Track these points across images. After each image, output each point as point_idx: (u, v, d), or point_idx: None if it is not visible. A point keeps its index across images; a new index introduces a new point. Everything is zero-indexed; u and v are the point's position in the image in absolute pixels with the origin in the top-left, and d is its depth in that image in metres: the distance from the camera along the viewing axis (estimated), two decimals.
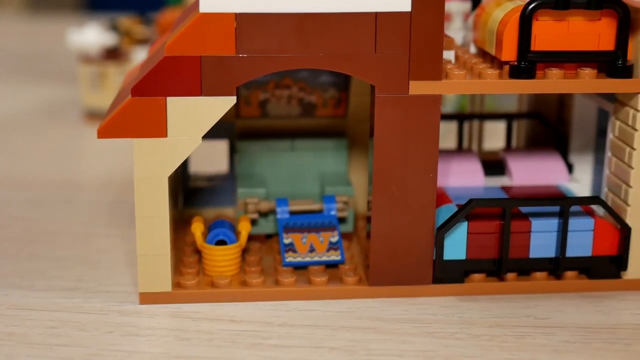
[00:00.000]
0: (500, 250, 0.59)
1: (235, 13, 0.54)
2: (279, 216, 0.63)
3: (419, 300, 0.59)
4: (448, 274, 0.59)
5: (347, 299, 0.59)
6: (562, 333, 0.55)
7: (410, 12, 0.54)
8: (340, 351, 0.53)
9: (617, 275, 0.60)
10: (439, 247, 0.58)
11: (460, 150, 0.69)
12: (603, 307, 0.58)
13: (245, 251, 0.63)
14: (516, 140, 0.74)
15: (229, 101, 0.55)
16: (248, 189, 0.64)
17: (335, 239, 0.62)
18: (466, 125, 0.73)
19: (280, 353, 0.52)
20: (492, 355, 0.53)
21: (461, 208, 0.58)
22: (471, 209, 0.58)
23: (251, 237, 0.65)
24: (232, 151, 0.69)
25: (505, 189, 0.64)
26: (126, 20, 1.09)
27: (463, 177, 0.65)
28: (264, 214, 0.65)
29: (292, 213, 0.64)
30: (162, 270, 0.57)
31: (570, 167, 0.67)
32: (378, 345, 0.53)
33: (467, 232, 0.59)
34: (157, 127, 0.55)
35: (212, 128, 0.66)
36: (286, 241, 0.62)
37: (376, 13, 0.54)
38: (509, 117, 0.71)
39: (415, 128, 0.56)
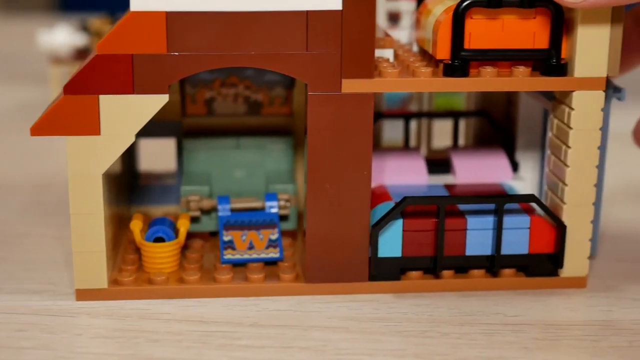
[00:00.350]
0: (435, 248, 0.59)
1: (166, 12, 0.54)
2: (220, 214, 0.63)
3: (389, 299, 0.59)
4: (384, 272, 0.59)
5: (284, 295, 0.59)
6: (531, 330, 0.55)
7: (342, 10, 0.55)
8: (310, 351, 0.53)
9: (555, 273, 0.61)
10: (374, 244, 0.58)
11: (406, 148, 0.70)
12: (572, 305, 0.59)
13: (187, 248, 0.63)
14: (465, 139, 0.74)
15: (162, 99, 0.55)
16: (191, 187, 0.65)
17: (275, 236, 0.62)
18: (416, 124, 0.73)
19: (250, 353, 0.52)
20: (462, 353, 0.53)
21: (395, 206, 0.58)
22: (404, 207, 0.58)
23: (195, 235, 0.65)
24: (180, 149, 0.69)
25: (448, 187, 0.65)
26: (97, 21, 1.09)
27: (407, 175, 0.65)
28: (206, 212, 0.65)
29: (233, 211, 0.64)
30: (97, 267, 0.58)
31: (516, 166, 0.67)
32: (348, 344, 0.53)
33: (403, 230, 0.59)
34: (90, 125, 0.55)
35: (159, 127, 0.66)
36: (226, 238, 0.62)
37: (307, 12, 0.55)
38: (455, 115, 0.71)
39: (348, 126, 0.57)
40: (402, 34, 0.70)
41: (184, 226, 0.61)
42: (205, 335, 0.54)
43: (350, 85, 0.56)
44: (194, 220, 0.65)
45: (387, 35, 0.63)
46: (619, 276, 0.63)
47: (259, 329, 0.55)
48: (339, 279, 0.59)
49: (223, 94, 0.68)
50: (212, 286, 0.59)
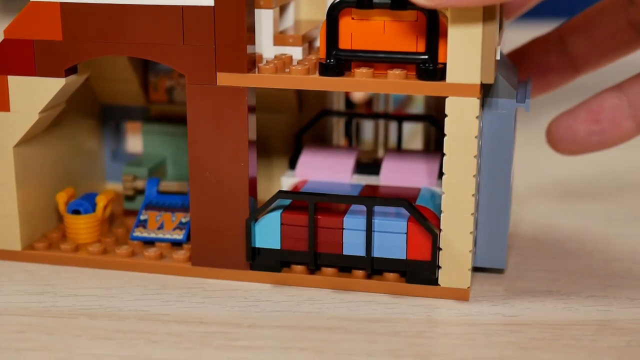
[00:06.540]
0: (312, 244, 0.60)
1: (60, 2, 0.59)
2: (146, 194, 0.68)
3: (389, 299, 0.59)
4: (263, 262, 0.61)
5: (171, 275, 0.62)
6: (529, 330, 0.55)
7: (214, 6, 0.57)
8: (309, 352, 0.53)
9: (434, 282, 0.59)
10: (248, 234, 0.60)
11: (345, 147, 0.70)
12: (570, 304, 0.58)
13: (115, 224, 0.68)
14: (421, 142, 0.73)
15: (59, 82, 0.61)
16: (130, 168, 0.70)
17: (186, 219, 0.66)
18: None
19: (249, 354, 0.53)
20: (461, 353, 0.53)
21: (270, 199, 0.60)
22: (275, 200, 0.60)
23: (131, 212, 0.70)
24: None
25: (367, 187, 0.65)
26: None
27: (332, 173, 0.66)
28: (142, 191, 0.70)
29: (161, 193, 0.68)
30: (11, 230, 0.64)
31: None
32: (347, 345, 0.54)
33: (280, 223, 0.60)
34: (1, 102, 0.62)
35: (129, 110, 0.72)
36: (142, 217, 0.66)
37: (182, 6, 0.58)
38: (399, 119, 0.71)
39: (224, 118, 0.59)
40: None
41: (101, 201, 0.66)
42: (204, 337, 0.55)
43: (225, 79, 0.58)
44: (129, 198, 0.70)
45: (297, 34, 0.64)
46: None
47: (258, 330, 0.55)
48: (221, 264, 0.62)
49: (182, 83, 0.72)
50: (109, 259, 0.63)
